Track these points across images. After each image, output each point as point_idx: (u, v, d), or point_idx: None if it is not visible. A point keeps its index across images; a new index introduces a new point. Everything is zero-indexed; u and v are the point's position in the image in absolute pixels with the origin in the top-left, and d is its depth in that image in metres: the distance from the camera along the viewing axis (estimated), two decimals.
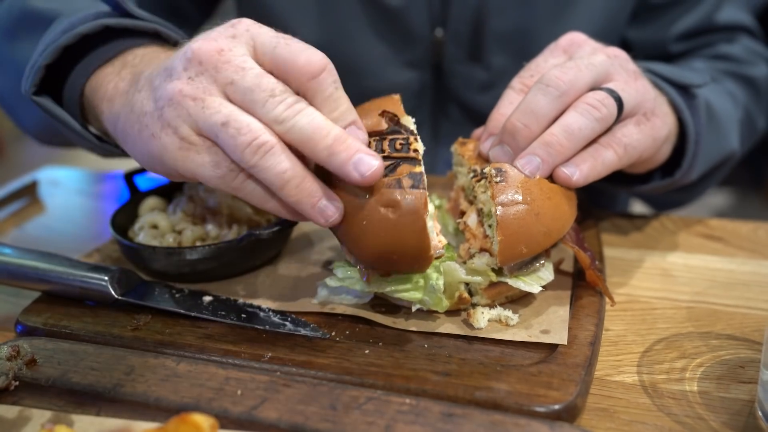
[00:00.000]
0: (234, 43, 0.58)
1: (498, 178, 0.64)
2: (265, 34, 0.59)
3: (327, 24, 1.05)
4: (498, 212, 0.62)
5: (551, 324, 0.65)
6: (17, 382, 0.56)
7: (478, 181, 0.68)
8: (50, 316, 0.66)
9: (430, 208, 0.64)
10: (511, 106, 0.70)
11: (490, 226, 0.66)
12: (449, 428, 0.50)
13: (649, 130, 0.71)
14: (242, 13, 1.12)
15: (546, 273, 0.67)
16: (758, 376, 0.57)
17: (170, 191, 0.85)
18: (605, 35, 0.94)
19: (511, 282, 0.66)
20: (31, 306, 0.68)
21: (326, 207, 0.58)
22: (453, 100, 1.09)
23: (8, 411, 0.53)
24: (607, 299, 0.68)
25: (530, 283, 0.66)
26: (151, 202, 0.82)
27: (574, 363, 0.58)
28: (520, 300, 0.69)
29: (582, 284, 0.71)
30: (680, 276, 0.77)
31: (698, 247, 0.84)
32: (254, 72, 0.57)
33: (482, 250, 0.67)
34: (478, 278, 0.66)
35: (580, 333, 0.63)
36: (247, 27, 0.60)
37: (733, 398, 0.57)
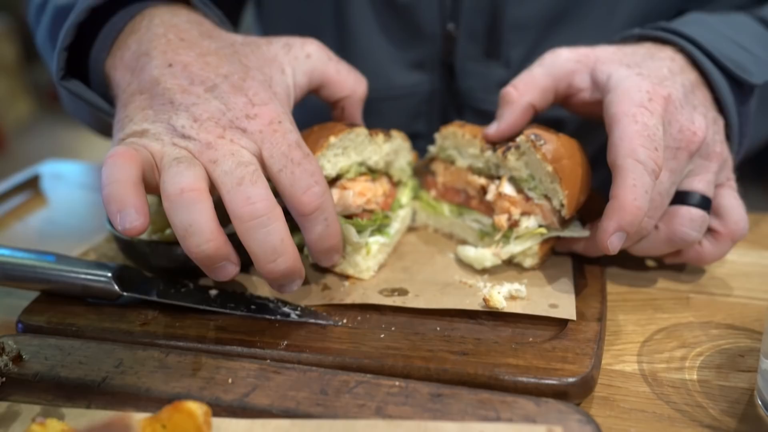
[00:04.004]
0: (242, 141, 0.61)
1: (541, 142, 0.69)
2: (276, 147, 0.61)
3: (337, 22, 1.00)
4: (557, 169, 0.68)
5: (558, 299, 0.66)
6: (4, 379, 0.56)
7: (505, 152, 0.72)
8: (53, 315, 0.65)
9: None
10: (643, 201, 0.61)
11: (532, 189, 0.71)
12: (438, 408, 0.50)
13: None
14: (262, 11, 1.10)
15: (577, 224, 0.74)
16: (757, 365, 0.57)
17: None
18: (652, 14, 0.89)
19: (564, 233, 0.72)
20: (31, 305, 0.67)
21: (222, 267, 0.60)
22: (466, 105, 1.00)
23: None
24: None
25: (579, 231, 0.72)
26: (148, 197, 0.82)
27: (586, 338, 0.60)
28: (522, 276, 0.72)
29: (580, 262, 0.73)
30: (681, 266, 0.77)
31: None
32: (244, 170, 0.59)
33: (524, 213, 0.72)
34: (527, 243, 0.72)
35: (586, 310, 0.64)
36: (260, 128, 0.62)
37: (732, 387, 0.57)
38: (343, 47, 1.00)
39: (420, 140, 0.98)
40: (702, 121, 0.68)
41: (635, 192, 0.61)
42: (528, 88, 0.73)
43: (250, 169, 0.59)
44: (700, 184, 0.69)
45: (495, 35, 0.94)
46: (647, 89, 0.66)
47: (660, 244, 0.70)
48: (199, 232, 0.57)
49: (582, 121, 0.87)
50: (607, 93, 0.68)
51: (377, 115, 0.99)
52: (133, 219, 0.55)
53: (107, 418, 0.50)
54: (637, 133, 0.62)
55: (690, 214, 0.67)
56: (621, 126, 0.63)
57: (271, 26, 1.09)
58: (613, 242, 0.62)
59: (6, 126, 4.55)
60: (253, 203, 0.57)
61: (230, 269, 0.60)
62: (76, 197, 1.05)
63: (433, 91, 1.01)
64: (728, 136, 0.73)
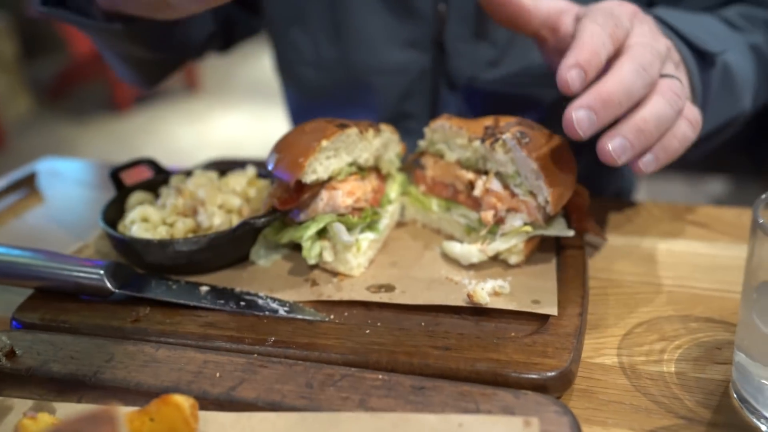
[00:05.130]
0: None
1: (526, 139, 0.70)
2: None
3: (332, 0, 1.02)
4: (541, 167, 0.69)
5: (541, 295, 0.68)
6: None
7: (493, 144, 0.73)
8: (46, 312, 0.67)
9: None
10: (600, 47, 0.64)
11: (517, 185, 0.73)
12: (420, 400, 0.52)
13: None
14: None
15: (562, 222, 0.76)
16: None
17: (156, 186, 0.86)
18: None
19: (548, 232, 0.73)
20: (25, 303, 0.69)
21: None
22: (456, 84, 1.03)
23: None
24: (601, 238, 0.79)
25: (563, 230, 0.74)
26: (139, 195, 0.83)
27: (566, 332, 0.61)
28: (506, 272, 0.74)
29: (564, 258, 0.75)
30: (663, 261, 0.79)
31: (683, 233, 0.85)
32: None
33: (510, 210, 0.74)
34: (513, 241, 0.73)
35: (567, 305, 0.66)
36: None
37: (708, 378, 0.58)
38: (337, 24, 1.02)
39: (411, 121, 1.03)
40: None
41: (593, 37, 0.64)
42: None
43: None
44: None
45: (483, 15, 0.97)
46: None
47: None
48: None
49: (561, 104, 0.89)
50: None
51: (371, 92, 1.03)
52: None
53: (93, 410, 0.52)
54: (598, 25, 0.66)
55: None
56: (582, 24, 0.66)
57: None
58: (572, 76, 0.63)
59: (5, 122, 4.56)
60: None
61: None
62: (73, 194, 1.06)
63: (424, 69, 1.03)
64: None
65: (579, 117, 0.63)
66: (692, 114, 0.69)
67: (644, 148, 0.65)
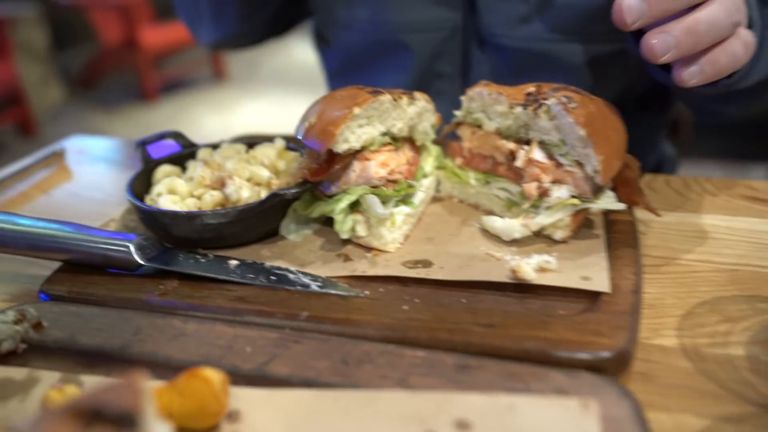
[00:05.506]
0: None
1: (573, 105, 0.65)
2: None
3: None
4: (590, 133, 0.64)
5: (591, 271, 0.63)
6: (25, 345, 0.55)
7: (536, 109, 0.68)
8: (74, 285, 0.65)
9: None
10: None
11: (563, 154, 0.68)
12: (464, 379, 0.48)
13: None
14: None
15: (610, 195, 0.70)
16: None
17: (183, 159, 0.84)
18: None
19: (597, 205, 0.68)
20: (53, 276, 0.67)
21: None
22: (487, 41, 1.00)
23: (18, 373, 0.52)
24: (653, 213, 0.71)
25: (613, 203, 0.68)
26: (166, 168, 0.81)
27: (620, 311, 0.57)
28: (551, 248, 0.69)
29: (614, 234, 0.69)
30: (722, 239, 0.73)
31: (741, 210, 0.79)
32: None
33: (555, 181, 0.69)
34: (558, 215, 0.68)
35: (621, 282, 0.61)
36: None
37: None
38: None
39: (443, 81, 1.03)
40: None
41: None
42: None
43: None
44: None
45: None
46: None
47: None
48: None
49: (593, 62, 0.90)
50: None
51: (404, 51, 1.03)
52: None
53: (118, 380, 0.49)
54: None
55: None
56: None
57: None
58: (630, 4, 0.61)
59: (37, 111, 4.64)
60: None
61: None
62: (100, 171, 1.05)
63: (455, 27, 1.01)
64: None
65: (630, 3, 0.61)
66: (746, 35, 0.66)
67: (691, 51, 0.63)
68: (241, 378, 0.50)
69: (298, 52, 6.19)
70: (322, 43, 1.20)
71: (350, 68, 1.14)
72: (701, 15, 0.61)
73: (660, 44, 0.62)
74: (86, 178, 1.02)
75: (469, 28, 1.01)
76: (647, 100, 1.09)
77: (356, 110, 0.68)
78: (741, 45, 0.65)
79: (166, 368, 0.51)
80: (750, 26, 0.72)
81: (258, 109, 5.13)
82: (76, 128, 4.68)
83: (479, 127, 0.78)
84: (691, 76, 0.64)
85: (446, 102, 0.89)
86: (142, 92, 5.32)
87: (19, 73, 4.37)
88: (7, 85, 4.26)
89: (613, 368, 0.52)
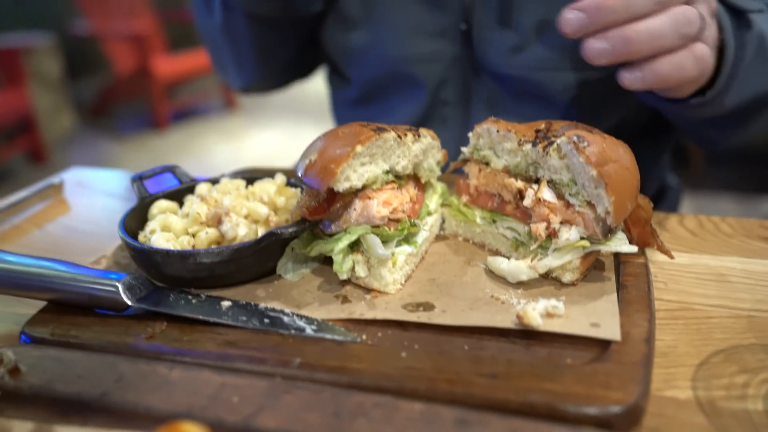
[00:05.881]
0: None
1: (584, 144, 0.63)
2: None
3: None
4: (602, 174, 0.62)
5: (600, 317, 0.60)
6: (0, 392, 0.53)
7: (546, 147, 0.67)
8: (57, 326, 0.62)
9: None
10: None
11: (573, 194, 0.66)
12: None
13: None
14: None
15: (622, 236, 0.68)
16: None
17: (181, 194, 0.82)
18: None
19: (608, 247, 0.66)
20: (36, 316, 0.64)
21: None
22: (483, 70, 1.04)
23: None
24: (666, 255, 0.70)
25: (624, 245, 0.66)
26: (162, 204, 0.79)
27: (631, 361, 0.54)
28: (560, 292, 0.66)
29: (625, 277, 0.67)
30: (739, 282, 0.70)
31: (758, 251, 0.76)
32: None
33: (564, 222, 0.66)
34: (567, 257, 0.66)
35: (632, 329, 0.58)
36: None
37: None
38: (369, 17, 1.06)
39: (448, 108, 1.09)
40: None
41: None
42: None
43: None
44: None
45: (507, 3, 0.99)
46: None
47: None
48: None
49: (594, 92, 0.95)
50: None
51: (414, 80, 1.08)
52: None
53: None
54: None
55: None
56: None
57: None
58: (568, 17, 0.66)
59: (48, 139, 4.69)
60: None
61: None
62: (98, 204, 1.03)
63: (455, 57, 1.06)
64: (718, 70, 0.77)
65: (568, 16, 0.66)
66: (700, 49, 0.68)
67: (626, 57, 0.67)
68: (225, 431, 0.47)
69: (309, 82, 6.25)
70: (337, 80, 1.25)
71: (369, 100, 1.18)
72: (641, 25, 0.65)
73: (594, 49, 0.66)
74: (83, 211, 1.00)
75: (467, 58, 1.04)
76: (647, 127, 1.11)
77: (358, 148, 0.66)
78: (691, 58, 0.68)
79: (147, 419, 0.49)
80: (722, 47, 0.75)
81: (269, 138, 5.16)
82: (86, 156, 4.72)
83: (487, 164, 0.76)
84: (631, 80, 0.69)
85: (450, 129, 0.91)
86: (154, 121, 5.38)
87: (32, 101, 4.43)
88: (19, 113, 4.32)
89: (623, 424, 0.49)
